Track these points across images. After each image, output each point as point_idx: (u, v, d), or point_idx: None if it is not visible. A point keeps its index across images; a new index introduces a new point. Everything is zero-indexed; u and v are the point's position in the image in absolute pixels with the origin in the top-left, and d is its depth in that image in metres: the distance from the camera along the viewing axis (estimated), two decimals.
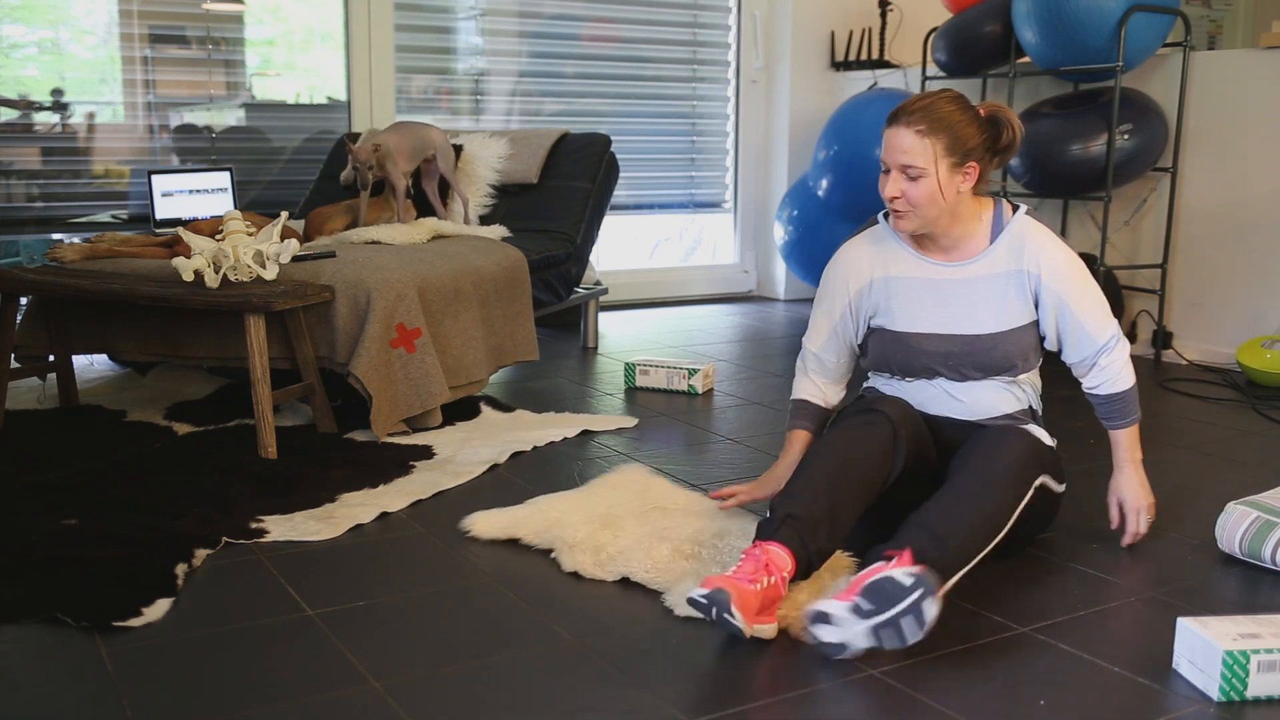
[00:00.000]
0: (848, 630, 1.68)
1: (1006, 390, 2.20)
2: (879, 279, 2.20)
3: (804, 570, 1.88)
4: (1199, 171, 4.03)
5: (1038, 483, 2.05)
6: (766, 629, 1.79)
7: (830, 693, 1.64)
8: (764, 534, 1.89)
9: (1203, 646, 1.64)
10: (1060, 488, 2.18)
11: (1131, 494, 2.21)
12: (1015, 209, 2.17)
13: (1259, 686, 1.62)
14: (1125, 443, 2.22)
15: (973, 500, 1.93)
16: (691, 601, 1.77)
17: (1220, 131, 3.95)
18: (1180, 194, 4.08)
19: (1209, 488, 2.60)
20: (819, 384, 2.31)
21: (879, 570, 1.73)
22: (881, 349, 2.22)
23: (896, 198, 2.05)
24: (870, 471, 2.00)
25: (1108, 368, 2.16)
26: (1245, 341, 3.79)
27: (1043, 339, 2.19)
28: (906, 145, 2.02)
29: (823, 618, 1.70)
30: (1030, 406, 2.25)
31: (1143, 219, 4.23)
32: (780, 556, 1.84)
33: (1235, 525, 2.13)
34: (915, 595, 1.65)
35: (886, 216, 2.23)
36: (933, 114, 2.02)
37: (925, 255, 2.17)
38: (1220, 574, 2.10)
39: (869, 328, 2.24)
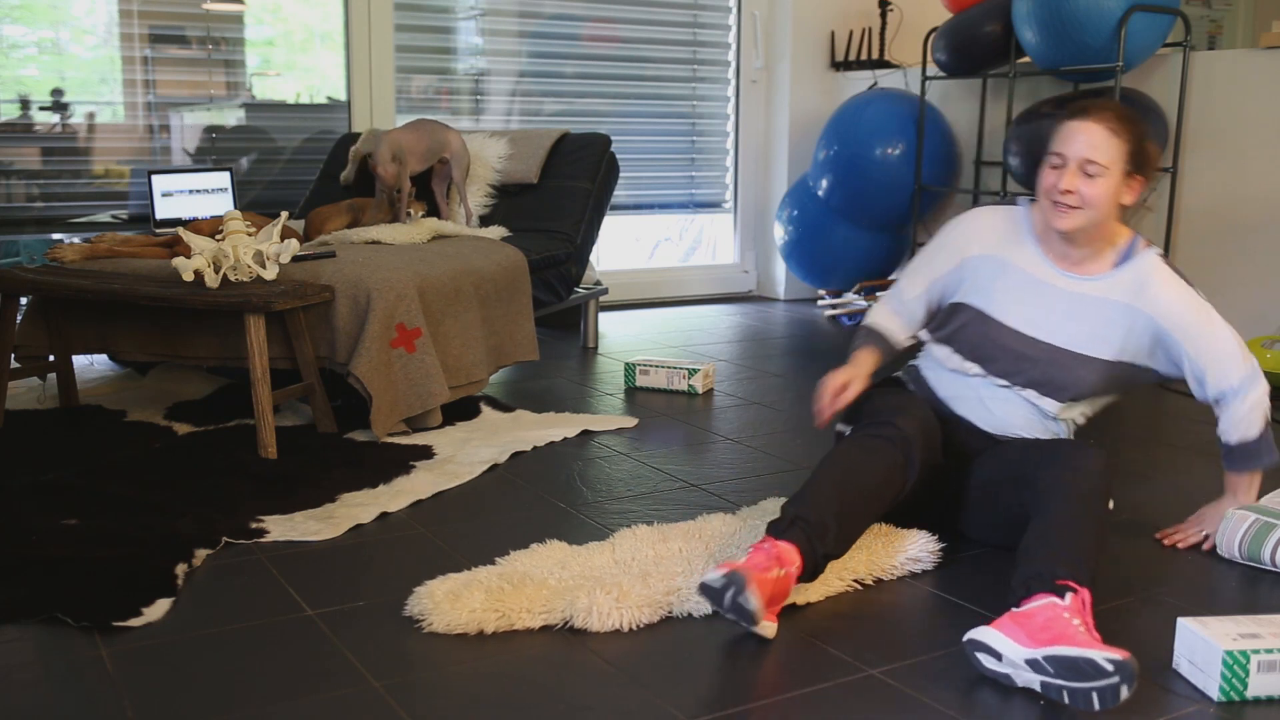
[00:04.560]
0: (1015, 671, 1.64)
1: (1040, 422, 2.17)
2: (996, 256, 2.17)
3: (810, 572, 1.88)
4: (1199, 171, 4.03)
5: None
6: (768, 627, 1.79)
7: (830, 693, 1.64)
8: (773, 532, 1.88)
9: (1203, 646, 1.64)
10: None
11: (1215, 524, 2.18)
12: (1148, 245, 2.13)
13: (1259, 686, 1.62)
14: (1238, 485, 2.17)
15: (1089, 524, 1.84)
16: (704, 587, 1.74)
17: (1220, 131, 3.95)
18: (1180, 194, 4.08)
19: (1209, 488, 2.60)
20: (897, 322, 2.27)
21: (1056, 612, 1.65)
22: (961, 326, 2.18)
23: (1070, 192, 2.01)
24: (880, 487, 1.98)
25: (1234, 412, 2.10)
26: (1245, 341, 3.79)
27: (1153, 376, 2.16)
28: (1098, 140, 1.99)
29: (990, 651, 1.66)
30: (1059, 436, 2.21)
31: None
32: (789, 553, 1.83)
33: (1234, 530, 2.13)
34: (1114, 680, 1.55)
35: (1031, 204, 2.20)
36: (1122, 116, 2.00)
37: (1047, 256, 2.14)
38: (1220, 574, 2.10)
39: (956, 303, 2.20)
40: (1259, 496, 2.20)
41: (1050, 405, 2.14)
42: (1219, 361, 2.09)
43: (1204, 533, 2.21)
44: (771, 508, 2.36)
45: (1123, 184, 2.02)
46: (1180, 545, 2.21)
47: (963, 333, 2.19)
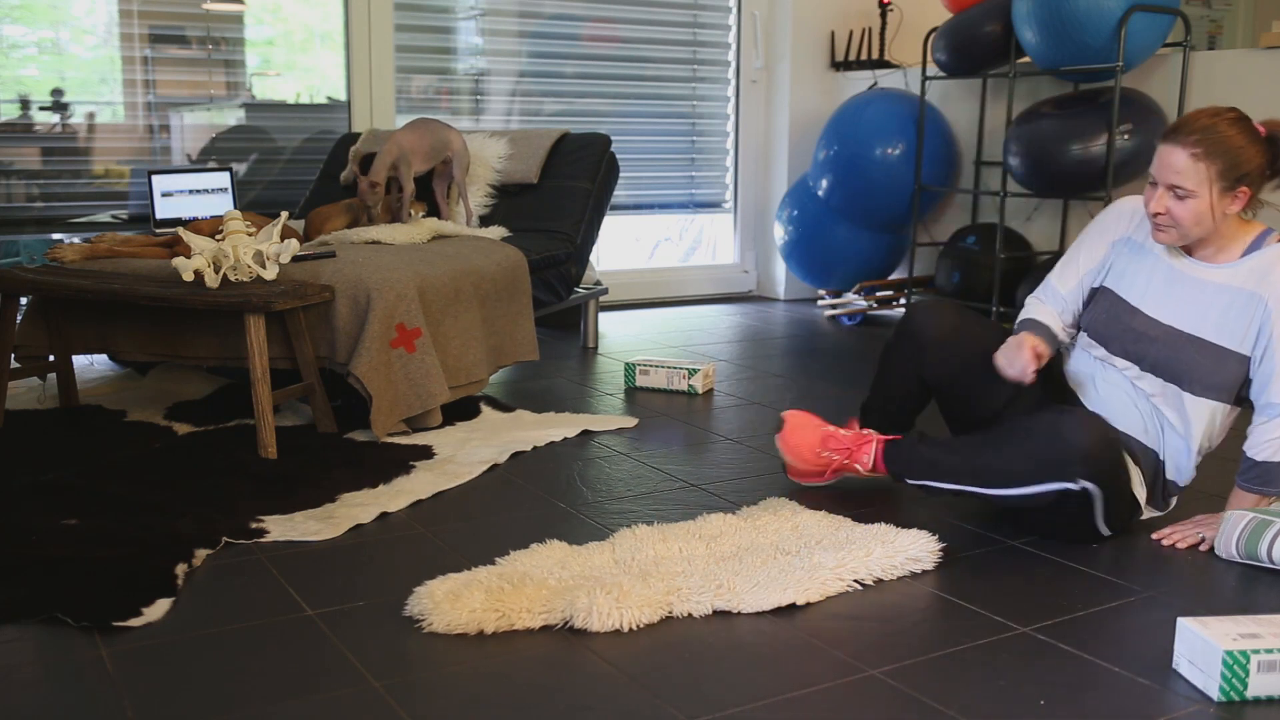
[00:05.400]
0: None
1: (1140, 413, 2.19)
2: (1135, 239, 2.22)
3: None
4: None
5: (1070, 487, 2.08)
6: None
7: (830, 693, 1.64)
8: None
9: (1203, 646, 1.64)
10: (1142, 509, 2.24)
11: (1212, 529, 2.20)
12: None
13: (1259, 686, 1.62)
14: (1245, 503, 2.17)
15: (990, 452, 2.17)
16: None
17: None
18: None
19: (1209, 488, 2.60)
20: (1053, 316, 2.32)
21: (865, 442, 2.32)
22: (1096, 307, 2.25)
23: (1160, 214, 2.06)
24: (904, 381, 2.42)
25: (1269, 430, 2.11)
26: None
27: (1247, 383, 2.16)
28: (1179, 166, 2.02)
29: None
30: (1158, 458, 2.23)
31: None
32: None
33: (1231, 529, 2.13)
34: None
35: None
36: (1212, 136, 2.01)
37: (1179, 245, 2.17)
38: (1220, 574, 2.10)
39: (1096, 287, 2.26)
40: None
41: (1167, 396, 2.17)
42: None
43: (1201, 535, 2.22)
44: (773, 506, 2.37)
45: (1222, 199, 2.04)
46: (1179, 545, 2.21)
47: (1095, 313, 2.25)
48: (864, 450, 2.37)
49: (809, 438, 2.42)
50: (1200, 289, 2.13)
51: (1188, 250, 2.17)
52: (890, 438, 2.37)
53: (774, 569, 2.01)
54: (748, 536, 2.18)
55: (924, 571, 2.08)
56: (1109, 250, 2.26)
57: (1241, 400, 2.20)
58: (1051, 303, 2.33)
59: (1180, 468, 2.24)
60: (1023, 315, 2.36)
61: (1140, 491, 2.23)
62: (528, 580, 1.96)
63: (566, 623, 1.84)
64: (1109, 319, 2.22)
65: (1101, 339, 2.23)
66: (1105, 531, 2.17)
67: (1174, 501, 2.32)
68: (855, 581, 2.01)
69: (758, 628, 1.84)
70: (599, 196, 4.01)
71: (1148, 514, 2.29)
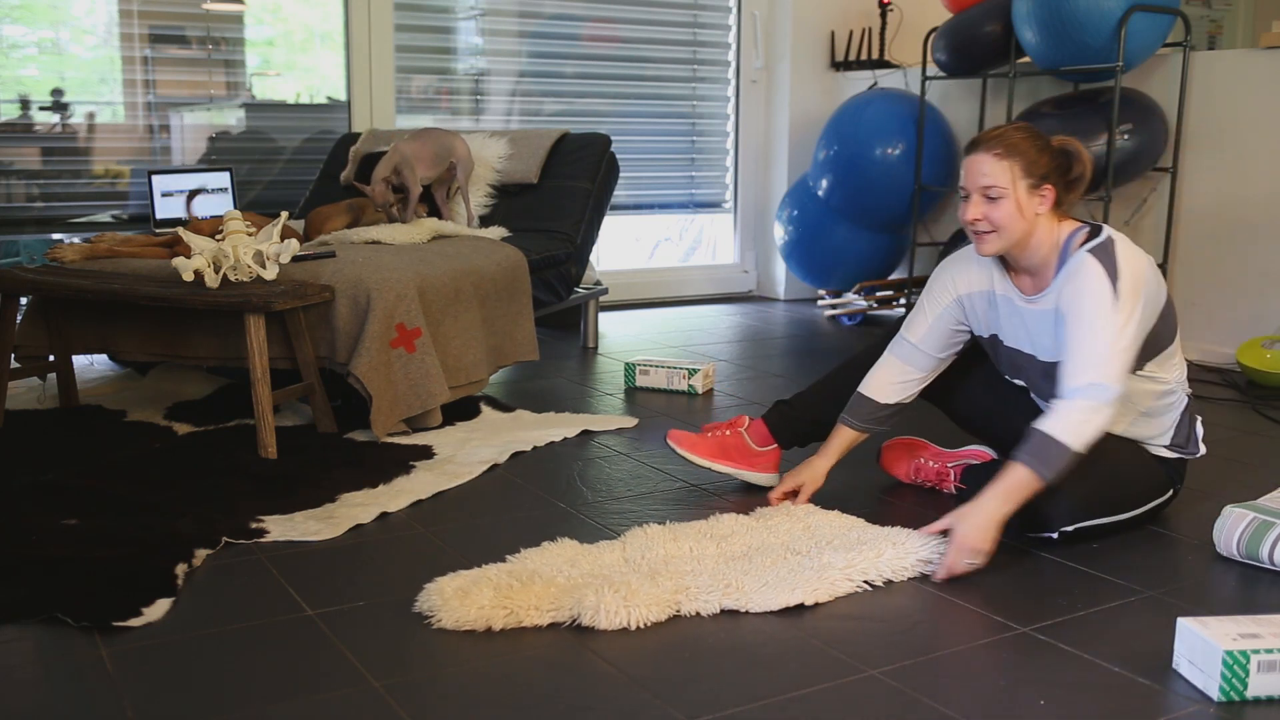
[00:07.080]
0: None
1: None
2: (982, 291, 2.30)
3: (786, 441, 2.56)
4: (1199, 171, 4.03)
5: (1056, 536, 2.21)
6: (719, 468, 2.54)
7: (830, 693, 1.64)
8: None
9: (1203, 646, 1.64)
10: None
11: (968, 529, 2.02)
12: (1089, 239, 2.12)
13: (1259, 686, 1.62)
14: (1012, 481, 2.02)
15: None
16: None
17: (1220, 131, 3.95)
18: (1180, 194, 4.08)
19: (1209, 488, 2.60)
20: (896, 374, 2.38)
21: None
22: (992, 354, 2.36)
23: (978, 219, 2.14)
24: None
25: (1064, 411, 2.01)
26: (1245, 341, 3.79)
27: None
28: (986, 169, 2.12)
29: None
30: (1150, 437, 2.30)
31: (1143, 219, 4.23)
32: (756, 425, 2.56)
33: (1232, 528, 2.13)
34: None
35: None
36: (1008, 140, 2.12)
37: (1010, 278, 2.25)
38: (1220, 574, 2.10)
39: (986, 336, 2.33)
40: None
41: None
42: (1080, 356, 2.03)
43: (961, 557, 2.03)
44: (786, 507, 2.38)
45: (1030, 197, 2.12)
46: (949, 574, 2.04)
47: (996, 359, 2.37)
48: (946, 483, 2.56)
49: (902, 468, 2.63)
50: (1039, 321, 2.20)
51: (1017, 283, 2.23)
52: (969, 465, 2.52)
53: (784, 569, 2.01)
54: (759, 536, 2.18)
55: (935, 572, 2.08)
56: (956, 301, 2.33)
57: (1152, 355, 2.21)
58: (899, 353, 2.39)
59: (1163, 432, 2.31)
60: (863, 385, 2.41)
61: (1161, 450, 2.31)
62: (537, 578, 1.96)
63: (574, 620, 1.84)
64: (1008, 362, 2.32)
65: (1015, 377, 2.35)
66: (1149, 504, 2.30)
67: (1200, 444, 2.36)
68: (865, 582, 2.01)
69: (762, 628, 1.84)
70: (599, 196, 4.01)
71: (1194, 455, 2.36)
